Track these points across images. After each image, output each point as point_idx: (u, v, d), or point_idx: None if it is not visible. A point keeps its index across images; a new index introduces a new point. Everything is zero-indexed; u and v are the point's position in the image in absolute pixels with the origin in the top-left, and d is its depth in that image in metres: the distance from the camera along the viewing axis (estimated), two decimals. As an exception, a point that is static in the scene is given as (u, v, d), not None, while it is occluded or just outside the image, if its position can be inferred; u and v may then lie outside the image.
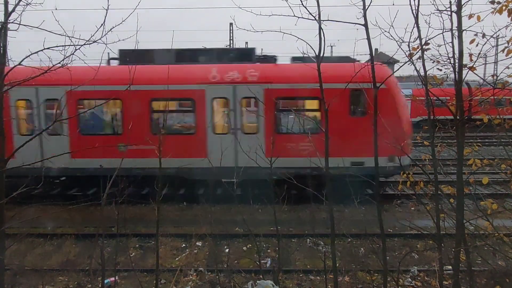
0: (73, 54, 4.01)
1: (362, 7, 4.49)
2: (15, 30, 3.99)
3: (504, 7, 4.16)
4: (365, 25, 4.54)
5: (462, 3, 4.24)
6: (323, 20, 4.51)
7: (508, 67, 4.74)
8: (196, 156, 11.27)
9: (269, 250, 8.95)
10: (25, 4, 3.94)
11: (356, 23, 4.56)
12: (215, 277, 7.37)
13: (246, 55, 12.67)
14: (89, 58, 4.49)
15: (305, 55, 4.83)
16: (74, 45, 3.99)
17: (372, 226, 7.21)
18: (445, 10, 4.29)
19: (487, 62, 4.54)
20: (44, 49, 4.09)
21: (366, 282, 7.27)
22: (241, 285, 6.43)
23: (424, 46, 4.50)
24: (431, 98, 4.64)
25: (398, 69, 4.70)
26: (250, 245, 9.16)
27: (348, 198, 6.39)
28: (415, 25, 4.43)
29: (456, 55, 4.39)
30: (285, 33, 4.84)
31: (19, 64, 4.09)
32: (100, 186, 5.20)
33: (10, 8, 3.89)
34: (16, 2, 3.89)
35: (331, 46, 38.10)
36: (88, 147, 9.45)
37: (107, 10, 4.13)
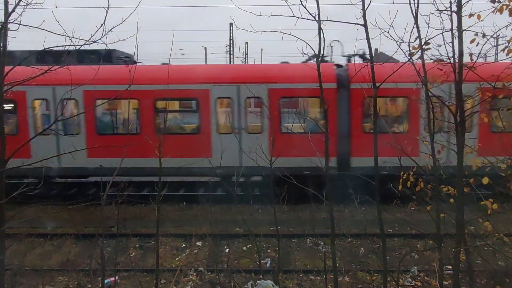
0: (73, 54, 4.00)
1: (361, 8, 4.49)
2: (15, 30, 3.99)
3: (505, 7, 4.14)
4: (365, 25, 4.53)
5: (462, 3, 4.24)
6: (323, 20, 4.52)
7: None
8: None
9: (269, 250, 8.95)
10: (25, 4, 3.94)
11: (355, 23, 4.56)
12: (215, 277, 7.37)
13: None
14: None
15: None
16: (74, 45, 3.99)
17: (372, 226, 7.21)
18: (445, 10, 4.28)
19: (487, 62, 4.55)
20: (44, 49, 4.09)
21: (366, 282, 7.27)
22: (241, 285, 6.42)
23: (424, 46, 4.50)
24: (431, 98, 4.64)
25: (398, 69, 4.68)
26: (250, 245, 9.16)
27: (348, 198, 6.39)
28: (415, 25, 4.43)
29: (456, 55, 4.39)
30: (284, 33, 4.84)
31: (19, 64, 4.09)
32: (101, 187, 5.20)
33: (10, 8, 3.88)
34: (16, 2, 3.89)
35: (331, 46, 37.96)
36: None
37: (107, 10, 4.13)
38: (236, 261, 8.38)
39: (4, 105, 4.39)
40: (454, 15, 4.26)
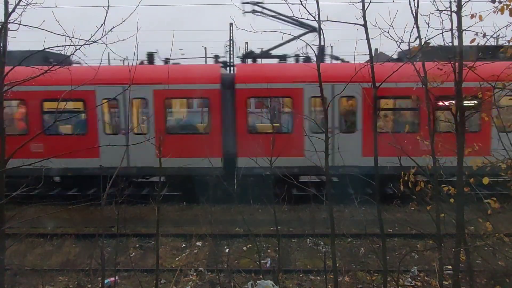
0: (73, 54, 4.01)
1: (361, 8, 4.49)
2: (15, 30, 3.99)
3: (505, 7, 4.14)
4: (365, 26, 4.54)
5: (462, 3, 4.24)
6: (323, 21, 4.52)
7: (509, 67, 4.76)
8: None
9: (269, 250, 8.95)
10: (25, 4, 3.94)
11: (355, 23, 4.56)
12: (215, 277, 7.37)
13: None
14: (90, 58, 4.49)
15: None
16: (74, 45, 3.99)
17: (372, 226, 7.21)
18: (445, 10, 4.29)
19: (487, 62, 4.55)
20: (44, 49, 4.09)
21: (366, 282, 7.27)
22: (241, 285, 6.42)
23: (424, 46, 4.50)
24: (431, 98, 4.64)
25: (397, 69, 4.68)
26: (250, 245, 9.16)
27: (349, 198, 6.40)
28: (415, 25, 4.43)
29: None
30: (284, 33, 4.85)
31: (19, 64, 4.08)
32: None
33: (10, 8, 3.88)
34: (16, 2, 3.89)
35: (331, 46, 38.01)
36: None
37: (107, 10, 4.13)
38: (236, 261, 8.38)
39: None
40: (454, 15, 4.26)
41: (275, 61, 13.07)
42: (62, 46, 3.99)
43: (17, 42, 4.60)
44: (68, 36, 3.99)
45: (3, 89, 3.99)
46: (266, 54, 13.21)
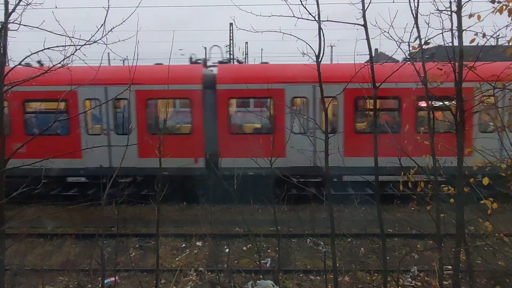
0: (73, 54, 4.00)
1: (361, 8, 4.49)
2: (15, 30, 3.99)
3: (504, 7, 4.15)
4: (365, 26, 4.54)
5: (462, 3, 4.24)
6: (323, 21, 4.52)
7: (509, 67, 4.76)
8: None
9: (269, 250, 8.95)
10: (25, 4, 3.94)
11: (355, 24, 4.56)
12: (215, 277, 7.37)
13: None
14: (90, 59, 4.48)
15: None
16: (74, 45, 3.99)
17: (372, 226, 7.21)
18: (445, 10, 4.28)
19: (487, 62, 4.54)
20: (44, 49, 4.09)
21: (366, 282, 7.27)
22: (241, 285, 6.42)
23: (424, 46, 4.50)
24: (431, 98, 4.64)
25: (397, 69, 4.68)
26: (250, 245, 9.16)
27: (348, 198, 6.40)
28: (415, 25, 4.43)
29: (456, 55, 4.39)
30: (285, 34, 4.84)
31: (19, 64, 4.08)
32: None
33: (10, 8, 3.88)
34: (16, 2, 3.89)
35: (331, 46, 38.00)
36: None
37: (107, 10, 4.13)
38: (236, 261, 8.39)
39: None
40: (454, 15, 4.26)
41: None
42: (62, 46, 3.99)
43: (17, 42, 4.61)
44: (68, 36, 3.99)
45: (3, 89, 3.99)
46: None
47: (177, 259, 8.73)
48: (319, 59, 4.67)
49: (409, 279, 7.55)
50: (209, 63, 14.25)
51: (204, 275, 7.79)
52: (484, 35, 4.29)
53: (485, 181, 4.56)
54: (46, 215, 9.73)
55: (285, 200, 7.24)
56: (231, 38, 38.63)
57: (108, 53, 9.59)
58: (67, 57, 4.02)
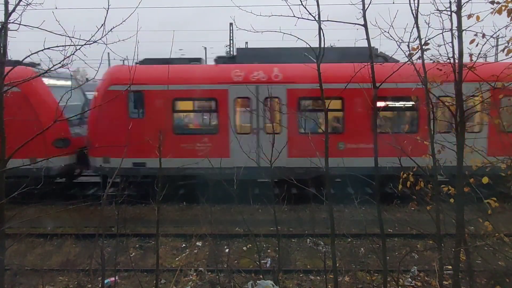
0: (73, 54, 4.01)
1: (361, 8, 4.49)
2: (15, 30, 3.99)
3: (503, 7, 4.16)
4: (365, 26, 4.54)
5: (462, 3, 4.24)
6: (323, 21, 4.52)
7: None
8: None
9: (269, 250, 8.95)
10: (25, 4, 3.94)
11: (355, 23, 4.56)
12: (215, 277, 7.37)
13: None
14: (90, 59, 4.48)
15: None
16: (74, 45, 3.99)
17: (372, 226, 7.22)
18: (445, 10, 4.29)
19: (487, 62, 4.55)
20: (44, 49, 4.09)
21: (366, 282, 7.27)
22: (241, 285, 6.42)
23: (424, 46, 4.50)
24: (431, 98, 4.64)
25: (398, 69, 4.68)
26: (250, 245, 9.16)
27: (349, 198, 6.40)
28: (415, 25, 4.43)
29: (456, 55, 4.40)
30: (285, 33, 4.84)
31: (19, 64, 4.08)
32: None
33: (10, 8, 3.89)
34: (16, 2, 3.89)
35: (331, 46, 37.95)
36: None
37: (107, 10, 4.13)
38: (236, 261, 8.39)
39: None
40: (454, 15, 4.27)
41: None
42: (62, 46, 4.00)
43: (17, 42, 4.60)
44: (68, 36, 4.00)
45: (3, 89, 3.99)
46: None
47: (177, 259, 8.73)
48: (319, 59, 4.67)
49: (409, 279, 7.55)
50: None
51: (204, 275, 7.78)
52: (483, 35, 4.29)
53: (485, 180, 4.57)
54: (46, 215, 9.74)
55: (285, 200, 7.23)
56: (231, 38, 38.62)
57: (108, 53, 9.65)
58: (67, 57, 4.02)
